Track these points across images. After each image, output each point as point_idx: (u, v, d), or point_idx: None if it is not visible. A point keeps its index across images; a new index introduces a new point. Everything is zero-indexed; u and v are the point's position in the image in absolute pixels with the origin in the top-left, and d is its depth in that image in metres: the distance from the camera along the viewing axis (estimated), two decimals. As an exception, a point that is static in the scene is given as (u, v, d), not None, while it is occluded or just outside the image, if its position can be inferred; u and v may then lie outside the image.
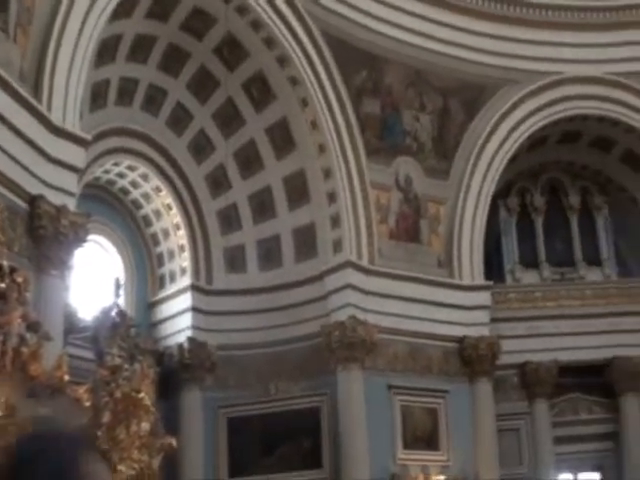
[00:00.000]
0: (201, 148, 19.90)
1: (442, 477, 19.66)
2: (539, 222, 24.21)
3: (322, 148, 19.46)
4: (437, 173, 21.50)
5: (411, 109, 21.17)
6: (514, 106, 22.39)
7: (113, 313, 15.96)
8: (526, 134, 22.66)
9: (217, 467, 19.29)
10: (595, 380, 23.42)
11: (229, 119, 19.59)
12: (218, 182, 20.05)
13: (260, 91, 19.20)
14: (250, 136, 19.69)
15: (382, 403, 19.54)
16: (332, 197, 19.65)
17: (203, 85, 19.20)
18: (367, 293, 19.81)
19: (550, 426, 22.68)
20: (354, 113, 20.01)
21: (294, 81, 19.04)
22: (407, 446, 19.77)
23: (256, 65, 19.02)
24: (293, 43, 18.81)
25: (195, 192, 20.00)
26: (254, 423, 19.20)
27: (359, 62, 20.19)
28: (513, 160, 22.80)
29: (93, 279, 18.92)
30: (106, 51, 16.81)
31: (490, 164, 22.11)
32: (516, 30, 22.52)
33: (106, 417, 15.56)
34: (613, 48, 23.23)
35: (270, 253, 20.05)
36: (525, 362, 22.71)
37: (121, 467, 15.78)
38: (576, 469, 23.79)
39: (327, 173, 19.57)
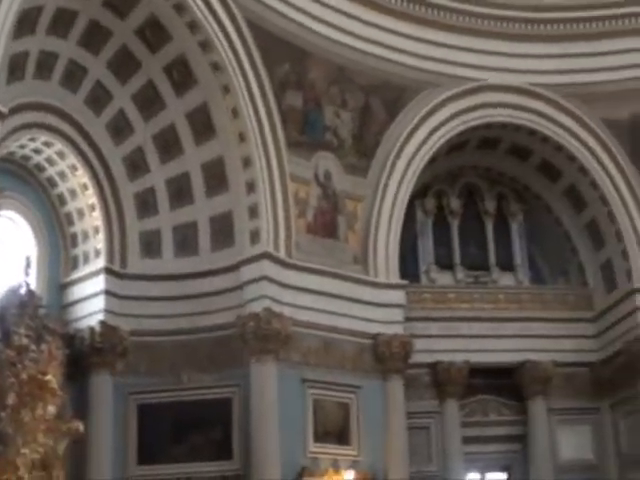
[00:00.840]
0: (120, 129, 19.57)
1: (352, 472, 19.56)
2: (455, 225, 24.57)
3: (242, 137, 19.33)
4: (356, 170, 21.57)
5: (333, 105, 21.24)
6: (434, 109, 22.69)
7: (21, 292, 15.54)
8: (445, 138, 22.94)
9: (126, 454, 18.85)
10: (505, 383, 23.80)
11: (149, 101, 19.33)
12: (136, 164, 19.74)
13: (182, 75, 19.00)
14: (170, 120, 19.45)
15: (295, 396, 19.43)
16: (251, 187, 19.53)
17: (124, 65, 18.91)
18: (283, 286, 19.69)
19: (460, 426, 22.92)
20: (276, 105, 19.95)
21: (216, 67, 18.90)
22: (318, 440, 19.65)
23: (179, 48, 18.81)
24: (217, 29, 18.69)
25: (112, 173, 19.62)
26: (165, 411, 18.85)
27: (283, 54, 20.19)
28: (431, 162, 23.04)
29: (3, 256, 18.39)
30: (26, 22, 16.40)
31: (408, 165, 22.31)
32: (440, 35, 22.88)
33: (11, 399, 15.13)
34: (534, 59, 23.78)
35: (186, 240, 19.78)
36: (437, 362, 22.94)
37: (25, 450, 15.33)
38: (484, 469, 24.07)
39: (246, 162, 19.45)
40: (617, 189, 24.06)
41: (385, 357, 20.99)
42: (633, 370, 23.53)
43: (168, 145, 19.60)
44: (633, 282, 23.81)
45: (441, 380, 22.90)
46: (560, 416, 24.18)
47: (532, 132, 24.02)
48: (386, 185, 21.85)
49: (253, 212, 19.55)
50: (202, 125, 19.36)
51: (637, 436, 23.52)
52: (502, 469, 24.26)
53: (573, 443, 24.12)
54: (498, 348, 23.51)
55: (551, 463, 23.54)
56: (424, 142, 22.51)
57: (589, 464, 24.28)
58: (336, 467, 19.57)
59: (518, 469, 24.02)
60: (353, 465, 19.79)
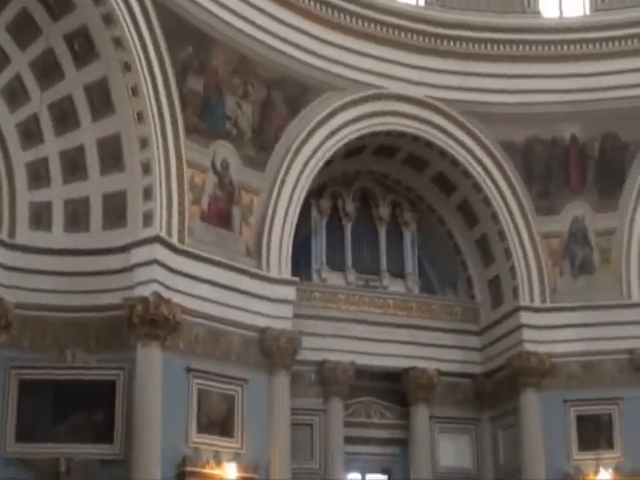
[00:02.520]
0: (15, 95, 18.94)
1: (234, 465, 19.21)
2: (349, 228, 24.74)
3: (140, 116, 18.99)
4: (254, 163, 21.43)
5: (235, 95, 21.11)
6: (335, 112, 22.79)
7: None
8: (343, 141, 23.06)
9: (4, 429, 17.87)
10: (390, 387, 23.94)
11: (48, 70, 18.81)
12: (30, 133, 19.10)
13: (83, 47, 18.59)
14: (68, 91, 18.96)
15: (179, 384, 19.01)
16: (146, 168, 19.14)
17: (24, 30, 18.38)
18: (174, 272, 19.29)
19: (343, 425, 22.89)
20: (177, 88, 19.66)
21: (118, 42, 18.54)
22: (201, 430, 19.25)
23: (81, 19, 18.40)
24: (121, 4, 18.32)
25: (5, 140, 18.94)
26: (47, 388, 18.03)
27: (187, 37, 19.96)
28: (329, 164, 23.14)
29: None
30: None
31: (306, 164, 22.29)
32: (346, 39, 23.07)
33: None
34: (436, 74, 24.23)
35: (77, 216, 19.21)
36: (324, 360, 22.92)
37: None
38: (364, 470, 24.07)
39: (143, 143, 19.10)
40: (509, 209, 24.64)
41: (272, 352, 20.78)
42: (514, 385, 24.00)
43: (64, 117, 19.11)
44: (519, 299, 24.38)
45: (327, 379, 22.88)
46: (441, 424, 24.48)
47: (429, 144, 24.41)
48: (283, 182, 21.78)
49: (147, 194, 19.17)
50: (100, 100, 18.95)
51: (514, 449, 23.92)
52: (382, 471, 24.29)
53: (453, 451, 24.45)
54: (385, 352, 23.68)
55: (430, 469, 23.74)
56: (323, 143, 22.57)
57: (467, 473, 24.67)
58: (218, 459, 19.21)
59: (398, 472, 24.16)
60: (235, 458, 19.44)
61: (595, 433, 23.82)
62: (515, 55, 24.65)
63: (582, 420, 23.88)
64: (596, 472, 23.26)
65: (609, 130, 24.79)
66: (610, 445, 23.72)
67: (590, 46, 24.75)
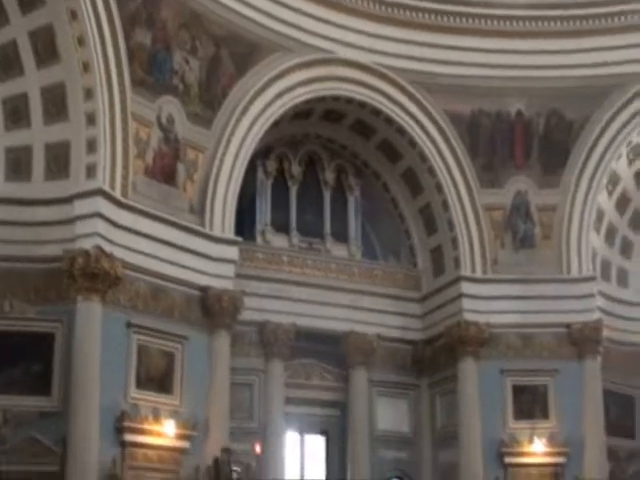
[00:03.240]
0: (-43, 39, 18.59)
1: (172, 421, 19.08)
2: (294, 190, 24.68)
3: (86, 66, 18.60)
4: (200, 120, 21.18)
5: (182, 50, 20.82)
6: (283, 73, 22.64)
7: None
8: (291, 103, 22.97)
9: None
10: (331, 350, 23.99)
11: (-9, 15, 18.48)
12: (-28, 79, 18.78)
13: (28, -7, 18.30)
14: (12, 36, 18.52)
15: (119, 339, 18.80)
16: (91, 119, 18.80)
17: (-36, -29, 18.02)
18: (116, 226, 19.00)
19: (283, 386, 22.92)
20: (124, 39, 19.28)
21: (65, -11, 18.27)
22: (140, 386, 19.06)
23: (25, -37, 18.12)
24: (67, -52, 18.09)
25: (-54, 85, 18.60)
26: (-17, 338, 17.81)
27: (136, -12, 19.75)
28: (276, 125, 23.03)
29: None
30: None
31: (253, 124, 22.12)
32: (298, 1, 22.87)
33: None
34: (387, 42, 24.21)
35: (19, 164, 18.77)
36: (265, 321, 22.94)
37: None
38: (303, 430, 24.15)
39: (88, 93, 18.74)
40: (453, 179, 24.80)
41: (214, 311, 20.65)
42: (452, 353, 24.29)
43: (8, 62, 18.64)
44: (460, 269, 24.62)
45: (268, 340, 22.89)
46: (380, 388, 24.67)
47: (377, 112, 24.42)
48: (229, 140, 21.57)
49: (91, 146, 18.83)
50: (45, 48, 18.51)
51: (451, 415, 24.26)
52: (320, 432, 24.42)
53: (391, 415, 24.68)
54: (326, 315, 23.77)
55: (368, 432, 23.93)
56: (270, 104, 22.44)
57: (404, 437, 24.90)
58: (157, 415, 19.07)
59: (336, 434, 24.29)
60: (174, 415, 19.31)
61: (531, 403, 24.23)
62: (465, 28, 24.77)
63: (518, 390, 24.26)
64: (530, 441, 23.71)
65: (554, 107, 25.12)
66: (545, 415, 24.18)
67: (537, 24, 24.98)
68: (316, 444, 24.51)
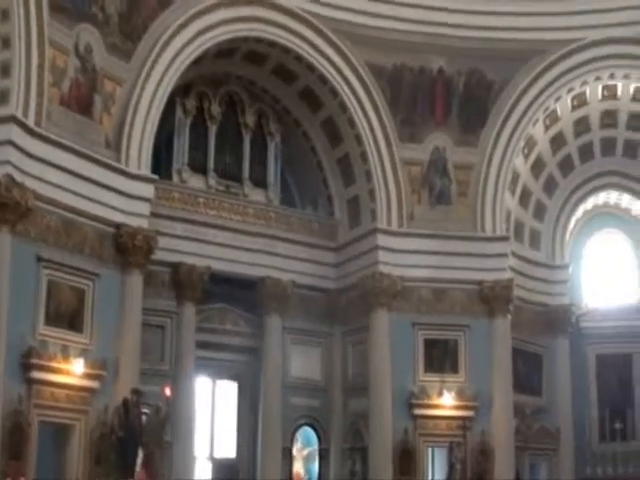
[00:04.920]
0: None
1: (81, 360, 18.46)
2: (213, 131, 24.11)
3: (2, -11, 17.78)
4: (120, 52, 20.41)
5: (103, -22, 20.08)
6: (206, 11, 22.03)
7: None
8: (213, 41, 22.35)
9: None
10: (245, 295, 23.66)
11: None
12: None
13: None
14: None
15: (29, 274, 18.05)
16: (5, 42, 17.90)
17: None
18: (28, 155, 18.14)
19: (195, 330, 22.48)
20: (43, -38, 18.50)
21: None
22: (49, 322, 18.39)
23: None
24: None
25: None
26: None
27: None
28: (198, 62, 22.34)
29: None
30: None
31: (173, 60, 21.45)
32: None
33: None
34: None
35: None
36: (179, 263, 22.41)
37: None
38: (215, 375, 23.87)
39: (4, 14, 17.84)
40: (373, 132, 24.66)
41: (127, 249, 20.07)
42: (366, 304, 24.28)
43: None
44: (377, 222, 24.55)
45: (181, 282, 22.38)
46: (294, 335, 24.50)
47: (299, 58, 24.01)
48: (148, 75, 20.88)
49: (4, 70, 17.94)
50: (-44, -31, 17.64)
51: (363, 365, 24.24)
52: (232, 378, 24.18)
53: (303, 362, 24.54)
54: (241, 260, 23.44)
55: (280, 378, 23.76)
56: (191, 41, 21.78)
57: (316, 385, 24.79)
58: (65, 353, 18.45)
59: (248, 380, 24.09)
60: (83, 353, 18.72)
61: (441, 357, 24.45)
62: (389, -18, 24.49)
63: (429, 343, 24.45)
64: (440, 394, 23.92)
65: (475, 67, 25.15)
66: (455, 369, 24.43)
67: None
68: (228, 390, 24.24)
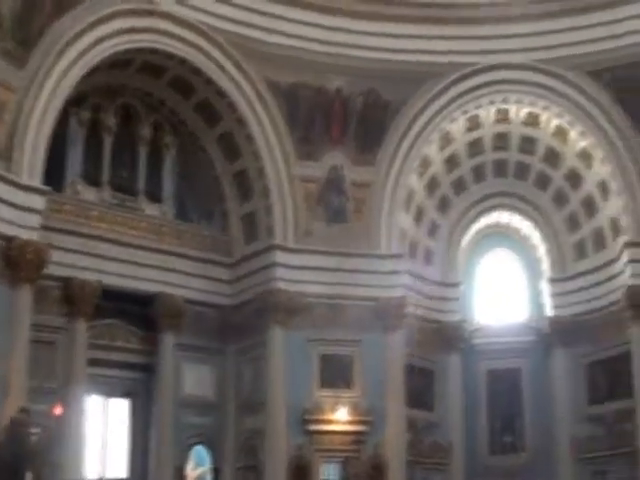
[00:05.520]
0: None
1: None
2: (108, 143, 23.68)
3: None
4: (12, 58, 19.84)
5: (-6, -18, 19.48)
6: (104, 19, 21.63)
7: None
8: (109, 51, 21.96)
9: None
10: (137, 311, 23.34)
11: None
12: None
13: None
14: None
15: None
16: None
17: None
18: None
19: (86, 347, 21.98)
20: None
21: None
22: None
23: None
24: None
25: None
26: None
27: None
28: (93, 72, 21.93)
29: None
30: None
31: (69, 69, 21.02)
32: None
33: None
34: (213, 2, 23.44)
35: None
36: (71, 277, 21.90)
37: None
38: (107, 393, 23.35)
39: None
40: (270, 148, 24.70)
41: (17, 263, 19.56)
42: (262, 320, 24.20)
43: None
44: (273, 238, 24.54)
45: (73, 297, 21.88)
46: (187, 352, 24.17)
47: (197, 71, 23.84)
48: (42, 84, 20.41)
49: None
50: None
51: (258, 381, 24.15)
52: (124, 395, 23.69)
53: (197, 380, 24.25)
54: (134, 275, 23.07)
55: (173, 397, 23.42)
56: (87, 50, 21.38)
57: (209, 403, 24.54)
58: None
59: (140, 397, 23.66)
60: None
61: (336, 373, 24.53)
62: (294, 0, 24.46)
63: (325, 359, 24.55)
64: (334, 409, 24.02)
65: (373, 87, 25.41)
66: (349, 385, 24.59)
67: (363, 5, 25.08)
68: (120, 408, 23.74)
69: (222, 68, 23.95)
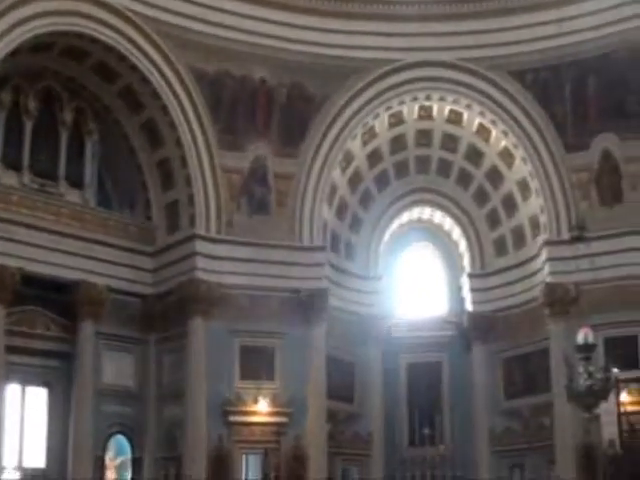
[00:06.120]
0: None
1: None
2: (29, 126, 23.16)
3: None
4: None
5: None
6: (26, 1, 21.09)
7: None
8: (30, 34, 21.51)
9: None
10: (58, 298, 22.90)
11: None
12: None
13: None
14: None
15: None
16: None
17: None
18: None
19: (4, 334, 21.47)
20: None
21: None
22: None
23: None
24: None
25: None
26: None
27: None
28: (14, 55, 21.44)
29: None
30: None
31: (-11, 50, 20.59)
32: None
33: None
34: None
35: None
36: (-11, 264, 21.40)
37: None
38: (25, 382, 22.79)
39: None
40: (193, 137, 24.50)
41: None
42: (183, 310, 23.97)
43: None
44: (195, 228, 24.34)
45: (-10, 283, 21.40)
46: (108, 341, 23.84)
47: (121, 57, 23.55)
48: (-32, 65, 19.96)
49: None
50: None
51: (179, 372, 23.88)
52: (43, 384, 23.17)
53: (117, 369, 23.91)
54: (56, 262, 22.62)
55: (93, 386, 23.05)
56: (8, 32, 21.00)
57: (130, 392, 24.23)
58: None
59: (59, 386, 23.20)
60: None
61: (257, 364, 24.43)
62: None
63: (246, 351, 24.44)
64: (255, 401, 23.99)
65: (297, 80, 25.47)
66: (270, 376, 24.55)
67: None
68: (39, 396, 23.21)
69: (147, 55, 23.68)
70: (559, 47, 24.96)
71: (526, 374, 27.00)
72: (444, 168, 28.36)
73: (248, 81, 25.06)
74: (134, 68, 23.70)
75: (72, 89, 24.20)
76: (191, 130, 24.40)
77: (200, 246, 24.24)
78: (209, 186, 24.59)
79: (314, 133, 25.61)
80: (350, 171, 27.37)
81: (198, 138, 24.49)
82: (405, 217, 29.39)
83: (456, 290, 29.21)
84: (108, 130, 24.85)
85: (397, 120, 26.99)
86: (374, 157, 27.72)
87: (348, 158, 26.87)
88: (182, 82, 24.20)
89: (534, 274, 26.40)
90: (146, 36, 23.53)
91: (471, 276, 28.50)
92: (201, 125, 24.50)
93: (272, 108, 25.35)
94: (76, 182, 23.98)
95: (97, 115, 24.68)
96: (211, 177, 24.65)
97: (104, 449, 23.42)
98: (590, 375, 14.88)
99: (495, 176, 27.66)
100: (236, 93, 25.01)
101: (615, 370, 16.47)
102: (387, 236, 28.94)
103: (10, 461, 22.29)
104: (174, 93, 24.16)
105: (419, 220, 29.84)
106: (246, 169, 25.22)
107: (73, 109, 24.07)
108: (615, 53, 24.91)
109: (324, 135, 25.69)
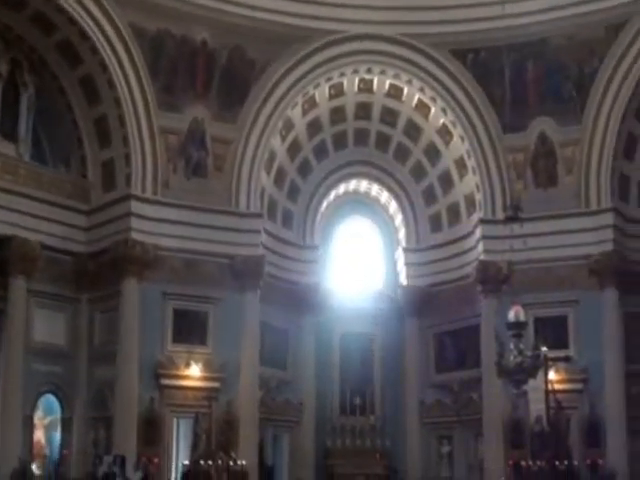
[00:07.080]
0: None
1: None
2: (-38, 77, 22.44)
3: None
4: None
5: None
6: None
7: None
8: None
9: None
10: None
11: None
12: None
13: None
14: None
15: None
16: None
17: None
18: None
19: None
20: None
21: None
22: None
23: None
24: None
25: None
26: None
27: None
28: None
29: None
30: None
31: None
32: None
33: None
34: None
35: None
36: None
37: None
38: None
39: None
40: (132, 95, 23.99)
41: None
42: (116, 270, 23.52)
43: None
44: (131, 188, 23.85)
45: None
46: (39, 299, 23.23)
47: (60, 9, 22.87)
48: None
49: None
50: None
51: (110, 333, 23.50)
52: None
53: (48, 327, 23.30)
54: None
55: (23, 343, 22.46)
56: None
57: (61, 351, 23.69)
58: None
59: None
60: None
61: (190, 328, 24.18)
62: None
63: (179, 314, 24.15)
64: (187, 365, 23.72)
65: (239, 44, 25.14)
66: (203, 341, 24.30)
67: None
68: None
69: (86, 9, 23.05)
70: (501, 29, 24.85)
71: (457, 349, 27.32)
72: (383, 142, 28.35)
73: (189, 42, 24.64)
74: (73, 21, 23.01)
75: (8, 40, 23.42)
76: (130, 88, 23.86)
77: (135, 206, 23.78)
78: (146, 146, 24.12)
79: (254, 99, 25.29)
80: (289, 139, 27.17)
81: (137, 97, 23.96)
82: (342, 188, 29.34)
83: (392, 264, 29.30)
84: (45, 84, 24.12)
85: (337, 91, 26.86)
86: (314, 127, 27.55)
87: (288, 126, 26.65)
88: (122, 39, 23.64)
89: (468, 251, 26.64)
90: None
91: (406, 250, 28.61)
92: (140, 84, 23.98)
93: (212, 71, 25.00)
94: (10, 135, 23.24)
95: (33, 67, 23.89)
96: (148, 137, 24.17)
97: (33, 408, 22.86)
98: (520, 352, 15.12)
99: (433, 152, 27.77)
100: (176, 53, 24.59)
101: (544, 349, 16.64)
102: (324, 206, 28.83)
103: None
104: (113, 50, 23.58)
105: (356, 192, 29.81)
106: (184, 131, 24.78)
107: (9, 60, 23.30)
108: (553, 39, 25.21)
109: (264, 101, 25.40)
